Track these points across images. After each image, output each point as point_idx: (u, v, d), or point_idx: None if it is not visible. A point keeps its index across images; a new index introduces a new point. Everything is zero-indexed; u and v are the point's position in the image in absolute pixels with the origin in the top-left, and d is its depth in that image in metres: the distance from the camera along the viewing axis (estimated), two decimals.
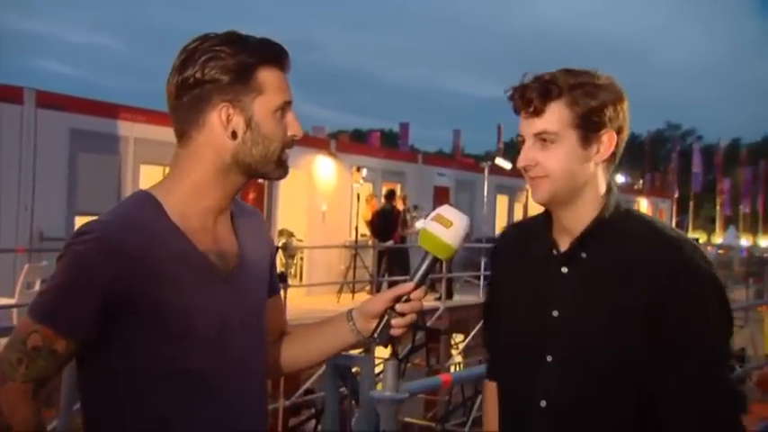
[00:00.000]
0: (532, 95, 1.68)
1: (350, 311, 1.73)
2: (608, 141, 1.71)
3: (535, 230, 1.84)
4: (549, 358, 1.73)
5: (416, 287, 1.66)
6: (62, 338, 1.44)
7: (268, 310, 1.73)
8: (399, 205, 15.34)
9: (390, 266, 14.22)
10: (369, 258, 14.31)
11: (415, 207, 16.42)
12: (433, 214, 1.68)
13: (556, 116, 1.68)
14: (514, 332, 1.83)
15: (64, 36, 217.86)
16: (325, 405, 2.68)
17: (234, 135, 1.55)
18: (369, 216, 15.21)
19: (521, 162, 1.73)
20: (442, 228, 1.64)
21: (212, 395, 1.55)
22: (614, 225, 1.73)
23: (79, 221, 11.83)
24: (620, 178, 38.54)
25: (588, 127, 1.68)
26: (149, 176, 10.86)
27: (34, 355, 1.43)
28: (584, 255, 1.73)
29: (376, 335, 1.66)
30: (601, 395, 1.68)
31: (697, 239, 34.83)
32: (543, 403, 1.72)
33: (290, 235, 15.49)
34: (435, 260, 1.68)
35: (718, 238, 39.75)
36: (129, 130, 12.25)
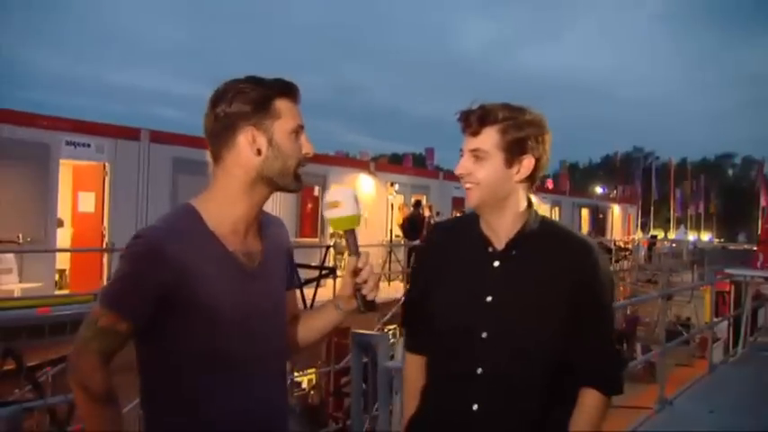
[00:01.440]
0: (473, 119, 1.67)
1: (336, 298, 1.69)
2: (527, 165, 1.67)
3: (465, 229, 1.77)
4: (483, 335, 1.66)
5: (357, 259, 1.60)
6: (124, 321, 1.41)
7: (287, 299, 1.66)
8: (426, 212, 15.16)
9: None
10: (401, 254, 14.18)
11: (438, 213, 16.22)
12: (324, 204, 1.61)
13: (488, 138, 1.65)
14: (450, 314, 1.73)
15: (173, 88, 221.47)
16: (351, 372, 2.65)
17: (258, 152, 1.50)
18: (401, 221, 15.11)
19: (457, 170, 1.70)
20: (335, 209, 1.58)
21: (239, 370, 1.49)
22: (537, 229, 1.71)
23: None
24: (599, 189, 38.41)
25: (512, 151, 1.65)
26: None
27: (103, 333, 1.41)
28: (514, 252, 1.69)
29: (362, 308, 1.61)
30: (528, 361, 1.64)
31: (656, 236, 34.60)
32: (479, 371, 1.65)
33: (341, 237, 15.34)
34: (352, 232, 1.60)
35: (672, 235, 39.24)
36: None
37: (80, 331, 1.43)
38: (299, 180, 1.56)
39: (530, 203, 1.73)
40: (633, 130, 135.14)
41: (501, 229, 1.70)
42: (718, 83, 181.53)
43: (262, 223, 1.60)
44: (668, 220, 45.83)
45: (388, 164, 22.45)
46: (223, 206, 1.51)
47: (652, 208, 40.98)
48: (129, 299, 1.42)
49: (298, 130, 1.54)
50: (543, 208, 23.46)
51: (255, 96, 1.49)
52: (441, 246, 1.82)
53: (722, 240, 47.05)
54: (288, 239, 1.73)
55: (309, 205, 14.80)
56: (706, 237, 45.16)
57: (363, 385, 2.62)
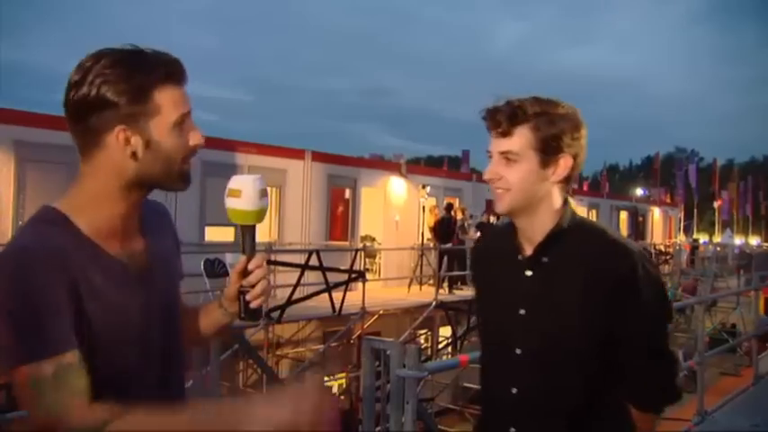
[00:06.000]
0: (502, 118, 1.52)
1: (222, 297, 1.45)
2: (564, 165, 1.54)
3: (504, 235, 1.66)
4: (518, 351, 1.57)
5: (249, 259, 1.37)
6: (64, 354, 1.14)
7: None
8: (459, 215, 15.01)
9: (450, 263, 13.88)
10: (432, 257, 14.04)
11: (471, 216, 16.08)
12: (225, 191, 1.35)
13: (520, 138, 1.52)
14: (490, 328, 1.69)
15: (205, 92, 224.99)
16: (364, 379, 2.64)
17: (134, 156, 1.24)
18: (432, 224, 14.99)
19: (487, 175, 1.57)
20: (234, 199, 1.33)
21: (140, 386, 1.26)
22: (570, 233, 1.56)
23: (209, 231, 12.12)
24: (639, 191, 37.76)
25: (547, 151, 1.52)
26: None
27: (59, 382, 1.13)
28: (545, 259, 1.56)
29: (242, 314, 1.39)
30: (561, 382, 1.53)
31: (697, 240, 33.81)
32: (514, 390, 1.57)
33: (372, 239, 15.35)
34: (250, 228, 1.36)
35: (717, 238, 38.34)
36: (244, 159, 12.73)
37: (42, 405, 1.13)
38: (186, 178, 1.31)
39: (565, 202, 1.59)
40: (675, 130, 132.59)
41: (533, 235, 1.57)
42: (766, 80, 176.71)
43: (143, 217, 1.36)
44: (713, 224, 44.84)
45: (421, 166, 22.35)
46: (95, 208, 1.27)
47: (695, 210, 40.12)
48: (49, 329, 1.15)
49: (182, 120, 1.27)
50: (579, 211, 23.03)
51: (128, 87, 1.21)
52: (485, 250, 1.76)
53: None
54: (172, 226, 1.49)
55: (340, 208, 14.81)
56: (754, 240, 44.04)
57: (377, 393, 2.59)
